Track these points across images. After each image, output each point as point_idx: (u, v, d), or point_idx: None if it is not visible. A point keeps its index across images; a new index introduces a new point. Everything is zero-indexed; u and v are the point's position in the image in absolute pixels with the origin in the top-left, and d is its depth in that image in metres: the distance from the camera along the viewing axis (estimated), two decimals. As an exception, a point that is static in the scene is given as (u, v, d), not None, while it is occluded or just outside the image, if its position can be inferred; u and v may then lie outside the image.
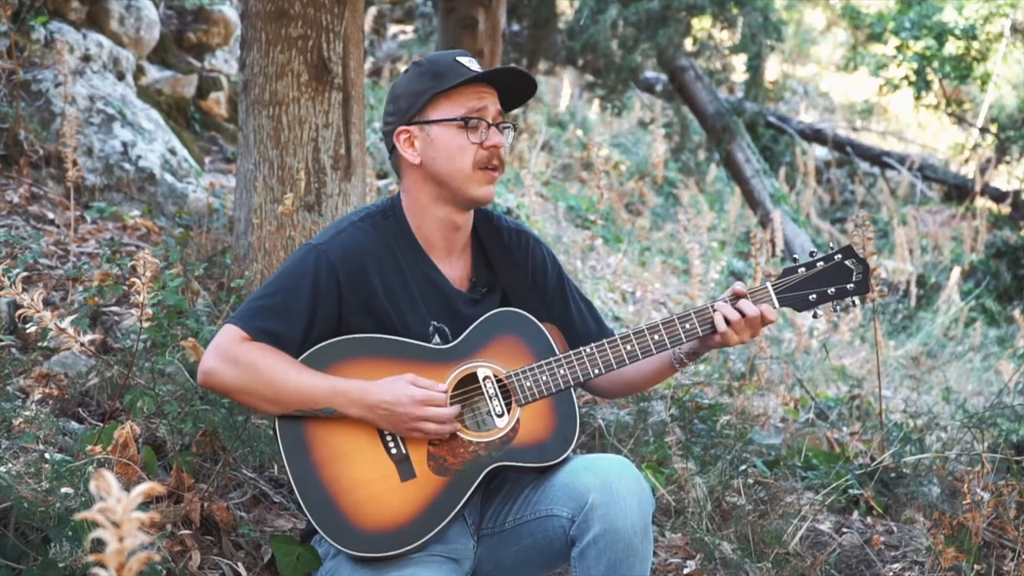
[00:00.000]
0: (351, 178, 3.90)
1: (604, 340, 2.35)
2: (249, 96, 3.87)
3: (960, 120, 13.55)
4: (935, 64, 12.57)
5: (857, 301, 2.51)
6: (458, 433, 2.26)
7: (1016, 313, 8.37)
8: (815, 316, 2.47)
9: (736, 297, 2.37)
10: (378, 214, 2.41)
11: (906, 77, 12.94)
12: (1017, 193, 11.86)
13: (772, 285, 2.41)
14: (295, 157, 3.79)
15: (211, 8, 7.48)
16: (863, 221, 3.55)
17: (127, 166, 5.21)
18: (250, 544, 2.69)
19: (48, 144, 5.01)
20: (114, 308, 3.78)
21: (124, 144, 5.27)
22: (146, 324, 2.58)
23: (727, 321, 2.34)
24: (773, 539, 3.19)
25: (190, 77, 6.94)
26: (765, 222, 9.36)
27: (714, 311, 2.36)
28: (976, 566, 3.04)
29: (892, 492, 3.87)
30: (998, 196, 12.00)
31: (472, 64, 2.35)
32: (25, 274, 3.70)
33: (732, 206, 10.49)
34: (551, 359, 2.33)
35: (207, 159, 6.56)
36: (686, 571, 3.10)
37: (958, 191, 12.45)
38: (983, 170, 12.53)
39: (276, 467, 3.12)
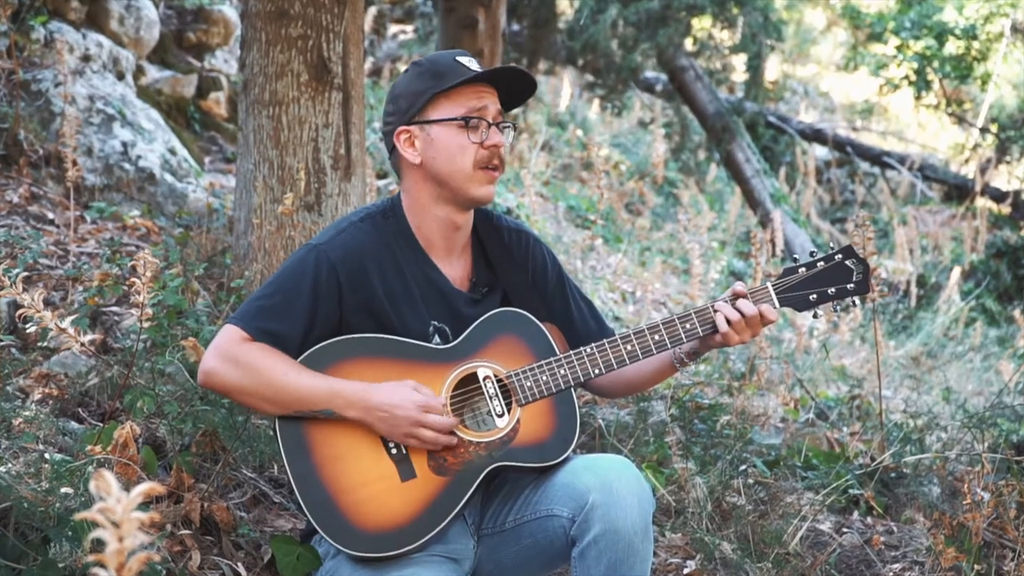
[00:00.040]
0: (351, 178, 3.90)
1: (604, 340, 2.35)
2: (249, 96, 3.87)
3: (960, 120, 13.55)
4: (935, 64, 12.56)
5: (857, 301, 2.51)
6: (458, 433, 2.26)
7: (1016, 313, 8.37)
8: (815, 316, 2.47)
9: (736, 297, 2.37)
10: (378, 214, 2.41)
11: (906, 77, 12.94)
12: (1017, 193, 11.86)
13: (772, 285, 2.41)
14: (295, 157, 3.79)
15: (211, 8, 7.48)
16: (863, 221, 3.55)
17: (127, 166, 5.21)
18: (250, 544, 2.69)
19: (48, 144, 5.00)
20: (114, 308, 3.78)
21: (124, 144, 5.27)
22: (146, 324, 2.57)
23: (727, 321, 2.34)
24: (773, 539, 3.19)
25: (190, 77, 6.94)
26: (765, 222, 9.36)
27: (714, 311, 2.36)
28: (976, 566, 3.04)
29: (892, 492, 3.87)
30: (998, 196, 12.00)
31: (472, 64, 2.35)
32: (25, 274, 3.70)
33: (732, 206, 10.49)
34: (551, 359, 2.33)
35: (207, 159, 6.56)
36: (686, 571, 3.10)
37: (958, 191, 12.45)
38: (983, 170, 12.53)
39: (276, 467, 3.12)
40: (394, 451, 2.25)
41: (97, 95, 5.43)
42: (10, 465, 2.41)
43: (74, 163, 4.26)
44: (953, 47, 12.55)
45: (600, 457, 2.28)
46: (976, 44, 12.53)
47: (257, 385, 2.21)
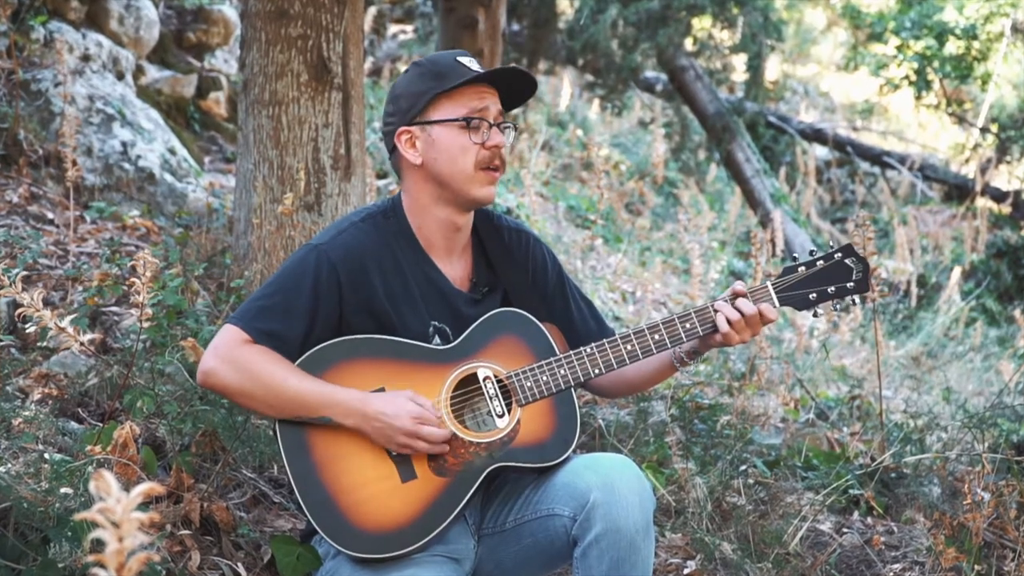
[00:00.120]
0: (351, 178, 3.90)
1: (604, 340, 2.35)
2: (249, 96, 3.86)
3: (960, 120, 13.55)
4: (936, 64, 12.56)
5: (857, 300, 2.50)
6: (458, 434, 2.26)
7: (1017, 313, 8.37)
8: (815, 315, 2.47)
9: (736, 296, 2.37)
10: (379, 214, 2.41)
11: (906, 77, 12.94)
12: (1018, 193, 11.85)
13: (772, 284, 2.41)
14: (295, 157, 3.79)
15: (211, 8, 7.48)
16: (863, 221, 3.54)
17: (126, 166, 5.21)
18: (250, 544, 2.68)
19: (48, 144, 5.00)
20: (114, 308, 3.77)
21: (123, 144, 5.27)
22: (146, 324, 2.57)
23: (728, 320, 2.34)
24: (773, 539, 3.19)
25: (190, 77, 6.94)
26: (765, 222, 9.36)
27: (714, 311, 2.36)
28: (976, 566, 3.03)
29: (892, 492, 3.87)
30: (999, 196, 12.00)
31: (473, 64, 2.35)
32: (25, 274, 3.70)
33: (732, 206, 10.49)
34: (551, 359, 2.33)
35: (207, 159, 6.56)
36: (686, 571, 3.10)
37: (959, 191, 12.45)
38: (984, 170, 12.53)
39: (276, 467, 3.11)
40: (394, 452, 2.24)
41: (97, 95, 5.43)
42: (10, 465, 2.40)
43: (74, 163, 4.26)
44: (953, 47, 12.55)
45: (601, 456, 2.28)
46: (976, 44, 12.53)
47: (255, 389, 2.21)
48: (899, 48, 12.81)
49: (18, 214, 4.48)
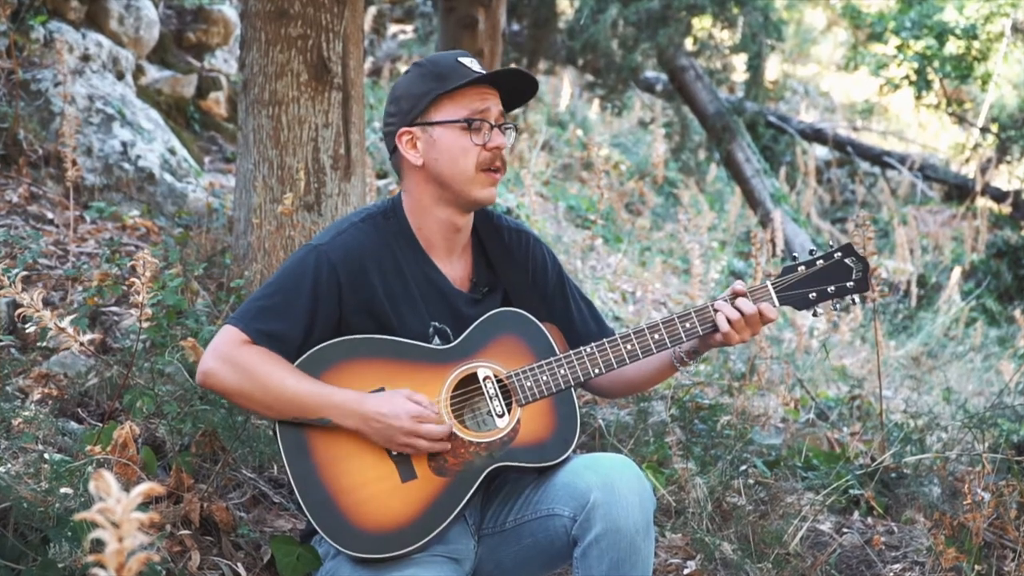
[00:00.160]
0: (351, 178, 3.89)
1: (604, 340, 2.35)
2: (249, 96, 3.86)
3: (961, 120, 13.55)
4: (936, 64, 12.55)
5: (857, 300, 2.50)
6: (458, 434, 2.26)
7: (1017, 313, 8.37)
8: (815, 315, 2.47)
9: (736, 296, 2.37)
10: (379, 215, 2.41)
11: (907, 77, 12.93)
12: (1018, 193, 11.85)
13: (772, 283, 2.41)
14: (295, 157, 3.79)
15: (211, 8, 7.48)
16: (864, 221, 3.54)
17: (126, 166, 5.21)
18: (250, 544, 2.68)
19: (47, 144, 5.00)
20: (114, 308, 3.77)
21: (123, 144, 5.27)
22: (146, 324, 2.57)
23: (727, 320, 2.34)
24: (773, 539, 3.19)
25: (190, 77, 6.94)
26: (765, 222, 9.36)
27: (714, 310, 2.36)
28: (977, 566, 3.03)
29: (893, 492, 3.86)
30: (999, 196, 12.00)
31: (474, 65, 2.35)
32: (24, 274, 3.70)
33: (732, 206, 10.48)
34: (551, 359, 2.32)
35: (207, 159, 6.55)
36: (686, 571, 3.10)
37: (959, 191, 12.45)
38: (984, 170, 12.53)
39: (276, 467, 3.11)
40: (394, 452, 2.24)
41: (97, 95, 5.43)
42: (10, 465, 2.40)
43: (74, 163, 4.26)
44: (953, 47, 12.54)
45: (601, 456, 2.28)
46: (976, 44, 12.52)
47: (254, 390, 2.21)
48: (899, 48, 12.81)
49: (18, 214, 4.48)
